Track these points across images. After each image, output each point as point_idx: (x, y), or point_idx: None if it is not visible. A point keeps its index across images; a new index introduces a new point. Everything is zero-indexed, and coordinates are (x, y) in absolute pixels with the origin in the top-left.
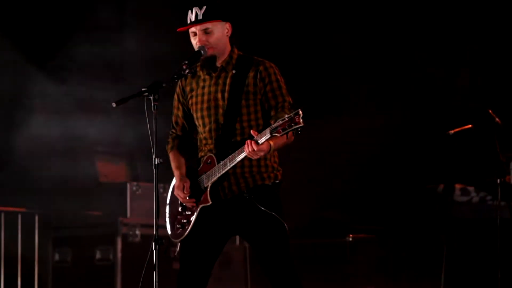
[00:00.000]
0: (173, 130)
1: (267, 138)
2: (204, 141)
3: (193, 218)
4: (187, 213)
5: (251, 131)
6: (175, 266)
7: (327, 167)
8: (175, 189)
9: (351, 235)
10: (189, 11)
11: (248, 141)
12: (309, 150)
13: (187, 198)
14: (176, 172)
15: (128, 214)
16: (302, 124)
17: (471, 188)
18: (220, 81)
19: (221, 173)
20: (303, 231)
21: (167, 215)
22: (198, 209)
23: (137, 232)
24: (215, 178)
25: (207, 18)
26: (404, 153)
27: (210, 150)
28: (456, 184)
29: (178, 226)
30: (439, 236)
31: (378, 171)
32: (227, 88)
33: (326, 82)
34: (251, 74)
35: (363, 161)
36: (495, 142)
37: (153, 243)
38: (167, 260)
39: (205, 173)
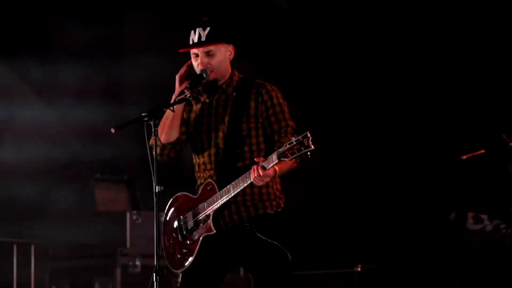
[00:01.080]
0: None
1: (274, 163)
2: (202, 166)
3: (196, 248)
4: (188, 242)
5: (255, 158)
6: None
7: (334, 194)
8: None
9: (359, 265)
10: (192, 32)
11: (255, 166)
12: (313, 177)
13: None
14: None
15: (128, 244)
16: (312, 147)
17: (484, 216)
18: (221, 104)
19: (224, 200)
20: (311, 261)
21: (165, 243)
22: (201, 239)
23: (137, 262)
24: (217, 206)
25: (210, 40)
26: (416, 180)
27: (210, 176)
28: (469, 212)
29: (179, 256)
30: (451, 266)
31: (389, 199)
32: (227, 110)
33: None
34: (253, 97)
35: (373, 189)
36: (509, 168)
37: (154, 274)
38: None
39: (205, 200)
